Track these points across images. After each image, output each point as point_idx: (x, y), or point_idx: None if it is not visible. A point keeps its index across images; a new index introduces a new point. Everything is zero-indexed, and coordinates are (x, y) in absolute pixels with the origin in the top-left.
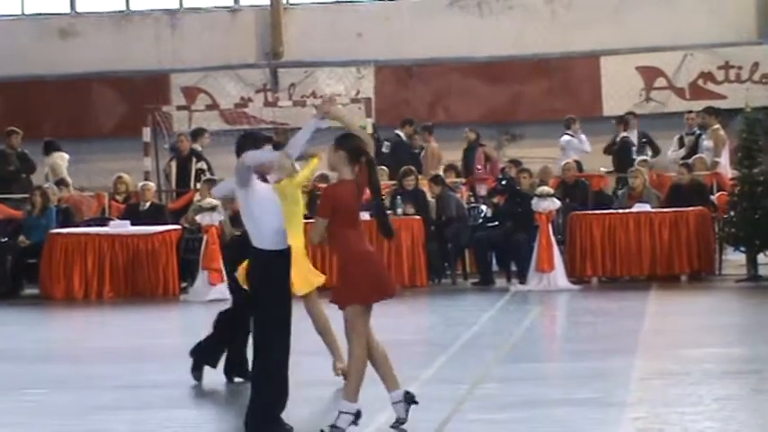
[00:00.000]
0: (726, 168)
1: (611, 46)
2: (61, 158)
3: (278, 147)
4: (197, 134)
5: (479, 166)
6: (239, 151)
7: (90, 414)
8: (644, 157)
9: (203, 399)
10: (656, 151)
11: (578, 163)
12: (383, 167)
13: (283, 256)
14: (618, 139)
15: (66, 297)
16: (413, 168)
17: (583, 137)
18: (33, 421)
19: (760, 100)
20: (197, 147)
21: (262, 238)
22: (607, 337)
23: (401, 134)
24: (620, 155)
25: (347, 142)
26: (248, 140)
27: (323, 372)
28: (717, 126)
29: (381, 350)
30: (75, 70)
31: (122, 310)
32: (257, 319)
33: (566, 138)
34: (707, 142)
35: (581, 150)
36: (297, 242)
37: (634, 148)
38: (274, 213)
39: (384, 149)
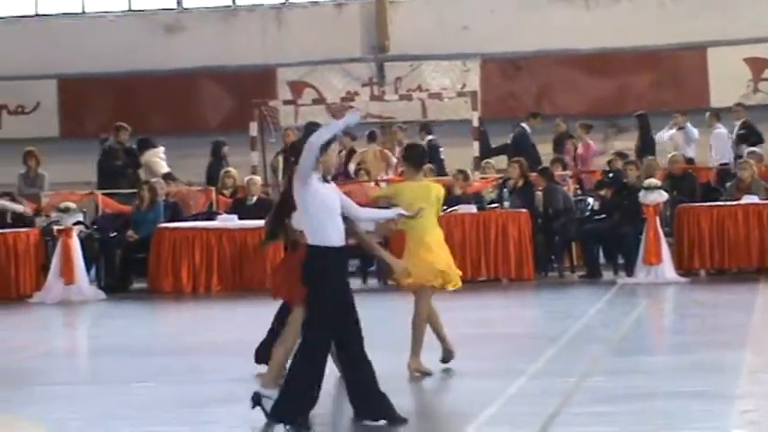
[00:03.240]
0: None
1: (718, 37)
2: (156, 155)
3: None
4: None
5: (568, 158)
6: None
7: (199, 407)
8: (753, 149)
9: None
10: (760, 139)
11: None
12: (489, 161)
13: (342, 252)
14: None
15: (174, 291)
16: (520, 160)
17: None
18: (143, 415)
19: None
20: None
21: (323, 235)
22: (715, 330)
23: (525, 126)
24: None
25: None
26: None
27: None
28: None
29: None
30: (181, 65)
31: (230, 303)
32: (310, 314)
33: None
34: None
35: (691, 140)
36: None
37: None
38: (334, 211)
39: (508, 141)
